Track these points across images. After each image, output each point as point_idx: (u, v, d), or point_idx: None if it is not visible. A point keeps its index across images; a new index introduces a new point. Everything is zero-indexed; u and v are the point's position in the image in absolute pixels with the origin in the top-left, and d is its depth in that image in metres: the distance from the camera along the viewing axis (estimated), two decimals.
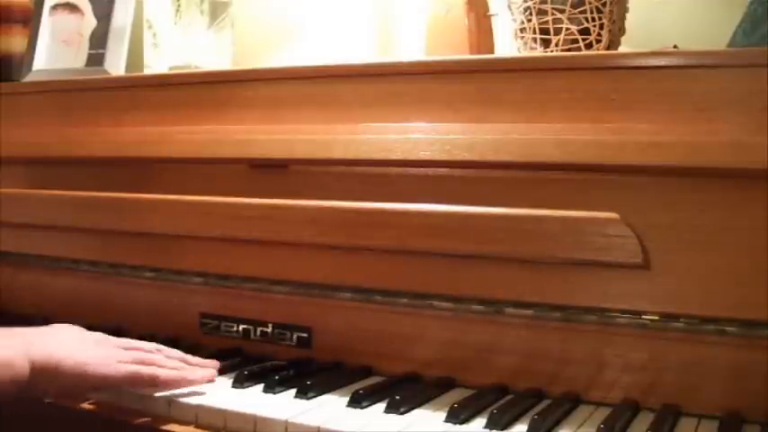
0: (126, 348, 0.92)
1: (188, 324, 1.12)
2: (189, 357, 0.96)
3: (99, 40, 1.42)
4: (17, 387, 0.83)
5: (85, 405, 0.92)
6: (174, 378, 0.90)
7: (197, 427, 0.86)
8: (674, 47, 1.08)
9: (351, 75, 1.05)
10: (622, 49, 1.11)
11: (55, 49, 1.46)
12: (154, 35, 1.47)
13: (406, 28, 1.36)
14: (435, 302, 0.96)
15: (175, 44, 1.45)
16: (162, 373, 0.90)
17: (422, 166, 0.98)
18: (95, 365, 0.87)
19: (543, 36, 1.08)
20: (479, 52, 1.22)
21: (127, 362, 0.89)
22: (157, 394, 0.89)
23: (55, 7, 1.48)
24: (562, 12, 1.07)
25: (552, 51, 1.08)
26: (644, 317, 0.86)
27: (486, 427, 0.80)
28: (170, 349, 0.96)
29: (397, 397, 0.86)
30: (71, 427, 0.93)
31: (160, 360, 0.92)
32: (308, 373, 0.96)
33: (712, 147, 0.81)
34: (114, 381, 0.88)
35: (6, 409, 0.93)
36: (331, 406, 0.87)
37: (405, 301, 0.98)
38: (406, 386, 0.93)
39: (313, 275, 1.04)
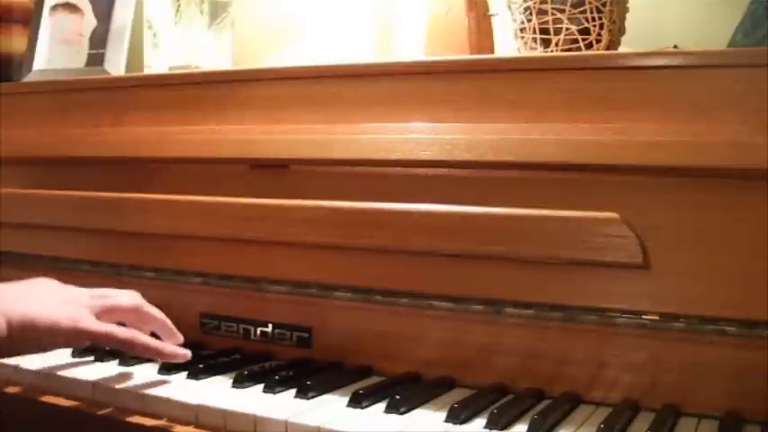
0: (103, 309, 0.93)
1: (188, 324, 1.12)
2: (167, 322, 0.98)
3: (99, 40, 1.42)
4: None
5: (85, 405, 0.92)
6: (149, 347, 0.92)
7: (197, 427, 0.85)
8: (674, 47, 1.08)
9: (351, 75, 1.05)
10: (622, 49, 1.11)
11: (55, 49, 1.47)
12: (154, 35, 1.47)
13: (406, 28, 1.36)
14: (435, 302, 0.96)
15: (175, 44, 1.45)
16: (139, 340, 0.91)
17: (422, 166, 0.98)
18: (68, 322, 0.88)
19: (543, 36, 1.08)
20: (479, 52, 1.22)
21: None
22: (158, 394, 0.89)
23: (55, 7, 1.48)
24: (562, 12, 1.07)
25: (552, 51, 1.08)
26: (644, 317, 0.86)
27: (486, 427, 0.80)
28: (149, 307, 0.97)
29: (397, 397, 0.85)
30: (71, 427, 0.93)
31: (135, 334, 0.93)
32: (308, 373, 0.96)
33: (712, 147, 0.81)
34: (88, 336, 0.90)
35: (6, 409, 0.93)
36: (331, 406, 0.87)
37: (405, 301, 0.98)
38: (406, 386, 0.93)
39: (313, 275, 1.04)
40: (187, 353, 0.96)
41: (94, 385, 0.93)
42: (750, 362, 0.82)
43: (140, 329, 0.95)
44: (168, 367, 0.98)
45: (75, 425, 0.92)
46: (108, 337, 0.90)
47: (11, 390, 0.97)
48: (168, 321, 0.99)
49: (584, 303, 0.89)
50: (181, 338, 0.99)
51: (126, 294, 0.98)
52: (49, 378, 0.97)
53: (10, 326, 0.84)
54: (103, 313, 0.93)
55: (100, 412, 0.91)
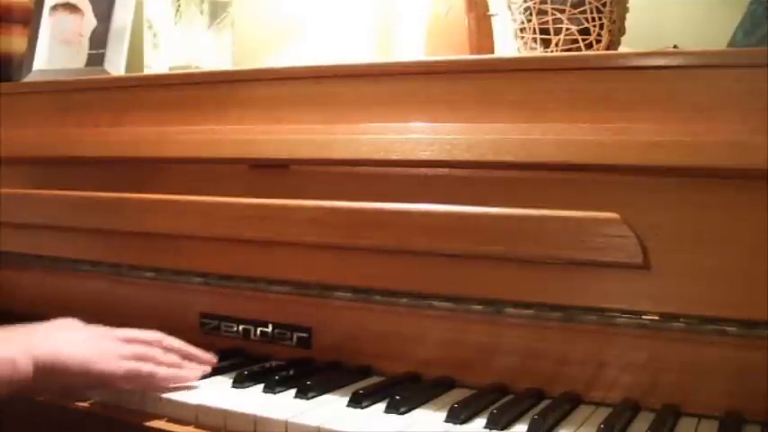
0: (127, 341, 0.93)
1: (188, 324, 1.12)
2: (189, 348, 0.98)
3: (99, 40, 1.42)
4: (20, 386, 0.83)
5: (85, 405, 0.92)
6: (171, 377, 0.91)
7: (197, 427, 0.86)
8: (674, 47, 1.08)
9: (351, 75, 1.05)
10: (622, 49, 1.11)
11: (55, 49, 1.46)
12: (154, 35, 1.47)
13: (406, 28, 1.36)
14: (435, 302, 0.96)
15: (175, 44, 1.45)
16: (160, 371, 0.91)
17: (422, 166, 0.98)
18: (97, 362, 0.87)
19: (543, 36, 1.08)
20: (479, 52, 1.22)
21: (127, 357, 0.90)
22: (158, 394, 0.89)
23: (55, 7, 1.48)
24: (562, 12, 1.07)
25: (552, 51, 1.08)
26: (644, 317, 0.86)
27: (486, 427, 0.80)
28: (171, 339, 0.97)
29: (397, 397, 0.86)
30: (71, 427, 0.93)
31: (159, 355, 0.93)
32: (307, 373, 0.96)
33: (712, 147, 0.81)
34: (115, 378, 0.89)
35: (6, 409, 0.93)
36: (331, 406, 0.87)
37: (405, 301, 0.98)
38: (406, 386, 0.93)
39: (313, 275, 1.04)
40: (205, 369, 0.95)
41: None
42: (750, 362, 0.82)
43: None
44: None
45: (75, 424, 0.92)
46: (133, 375, 0.89)
47: None
48: (191, 347, 0.98)
49: (584, 303, 0.89)
50: (209, 360, 0.98)
51: (147, 331, 0.97)
52: None
53: (36, 367, 0.83)
54: (126, 341, 0.93)
55: (99, 412, 0.91)
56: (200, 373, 0.94)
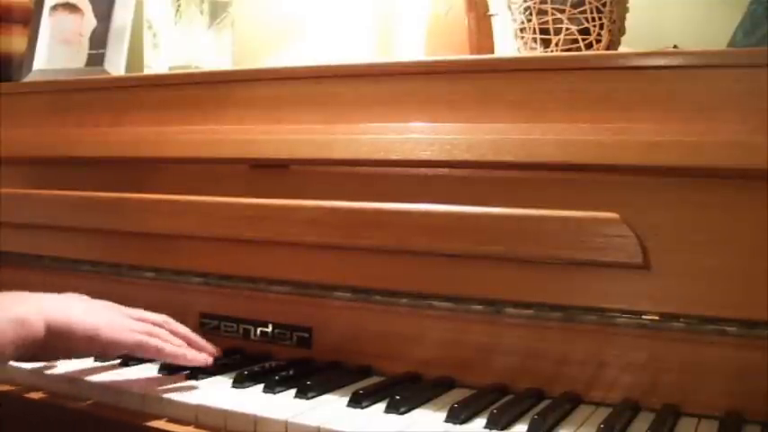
0: (135, 318, 0.94)
1: (188, 324, 1.11)
2: (194, 336, 0.99)
3: (99, 40, 1.42)
4: (32, 346, 0.84)
5: (85, 405, 0.92)
6: (177, 354, 0.93)
7: (197, 427, 0.85)
8: (674, 47, 1.08)
9: (351, 75, 1.05)
10: (622, 49, 1.11)
11: (55, 49, 1.46)
12: (154, 35, 1.47)
13: (406, 28, 1.36)
14: (435, 302, 0.96)
15: (175, 44, 1.45)
16: (167, 347, 0.92)
17: (422, 166, 0.98)
18: (106, 329, 0.89)
19: (543, 36, 1.08)
20: (479, 52, 1.22)
21: (136, 330, 0.91)
22: (158, 394, 0.89)
23: (55, 7, 1.48)
24: (562, 12, 1.07)
25: (552, 51, 1.08)
26: (644, 317, 0.86)
27: (486, 427, 0.80)
28: (176, 323, 0.98)
29: (397, 397, 0.85)
30: (71, 427, 0.93)
31: (165, 334, 0.94)
32: (307, 373, 0.96)
33: (712, 147, 0.81)
34: (123, 346, 0.90)
35: (5, 409, 0.93)
36: (331, 406, 0.87)
37: (405, 301, 0.98)
38: (406, 386, 0.93)
39: (313, 275, 1.04)
40: (207, 359, 0.96)
41: (94, 385, 0.93)
42: (750, 362, 0.82)
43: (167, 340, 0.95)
44: (168, 367, 0.98)
45: (75, 425, 0.92)
46: (140, 346, 0.91)
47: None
48: (195, 335, 0.99)
49: (584, 303, 0.89)
50: (211, 350, 0.99)
51: (155, 313, 0.98)
52: (45, 377, 0.97)
53: (48, 329, 0.84)
54: (135, 318, 0.94)
55: (99, 412, 0.91)
56: (203, 360, 0.95)
